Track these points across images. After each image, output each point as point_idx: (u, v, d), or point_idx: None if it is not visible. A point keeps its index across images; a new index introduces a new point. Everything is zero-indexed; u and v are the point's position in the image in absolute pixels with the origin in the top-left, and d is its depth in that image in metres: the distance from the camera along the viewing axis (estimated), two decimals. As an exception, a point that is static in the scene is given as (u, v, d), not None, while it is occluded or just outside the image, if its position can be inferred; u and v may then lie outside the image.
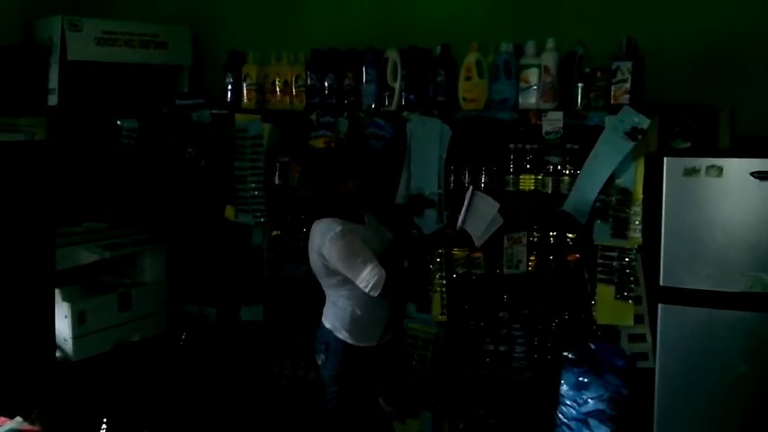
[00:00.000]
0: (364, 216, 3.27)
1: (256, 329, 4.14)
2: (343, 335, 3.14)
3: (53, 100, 4.12)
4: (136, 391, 3.96)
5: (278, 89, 4.12)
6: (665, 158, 3.16)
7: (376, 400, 3.38)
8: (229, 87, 4.18)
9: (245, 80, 4.12)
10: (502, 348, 3.66)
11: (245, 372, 4.15)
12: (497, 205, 3.17)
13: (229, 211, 4.14)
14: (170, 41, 4.53)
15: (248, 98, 4.13)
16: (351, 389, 3.19)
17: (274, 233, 4.13)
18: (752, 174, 2.97)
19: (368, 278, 2.98)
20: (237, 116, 4.12)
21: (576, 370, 3.20)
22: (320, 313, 3.26)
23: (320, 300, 3.28)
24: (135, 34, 4.38)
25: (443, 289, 3.72)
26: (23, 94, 4.07)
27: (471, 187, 3.21)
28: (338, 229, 3.05)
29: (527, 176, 3.58)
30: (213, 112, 4.20)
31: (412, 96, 3.77)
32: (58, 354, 3.77)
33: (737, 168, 3.00)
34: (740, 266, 3.02)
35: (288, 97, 4.10)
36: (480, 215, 3.16)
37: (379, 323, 3.18)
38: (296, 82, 4.06)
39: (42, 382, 3.59)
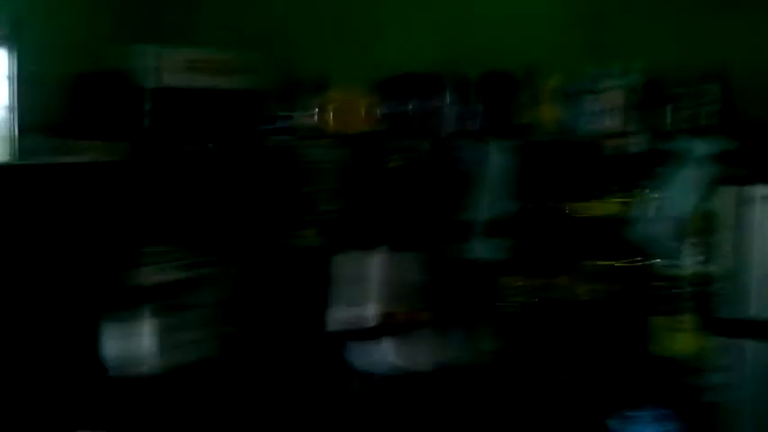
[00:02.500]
0: None
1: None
2: None
3: (144, 124, 4.25)
4: (201, 407, 3.99)
5: (353, 114, 4.16)
6: (749, 185, 3.04)
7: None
8: (311, 113, 4.24)
9: (326, 105, 4.18)
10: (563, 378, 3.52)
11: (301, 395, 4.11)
12: None
13: (304, 235, 4.16)
14: (251, 68, 4.64)
15: (324, 123, 4.18)
16: None
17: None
18: None
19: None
20: (313, 141, 4.17)
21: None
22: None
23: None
24: (218, 61, 4.50)
25: (503, 316, 3.63)
26: (110, 118, 4.22)
27: None
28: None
29: (598, 201, 3.49)
30: (289, 137, 4.27)
31: (489, 120, 3.75)
32: (142, 368, 3.84)
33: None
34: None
35: (362, 122, 4.13)
36: None
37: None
38: (371, 107, 4.09)
39: (106, 396, 3.65)
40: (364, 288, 3.08)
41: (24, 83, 3.88)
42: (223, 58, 4.54)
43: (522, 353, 3.64)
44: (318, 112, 4.21)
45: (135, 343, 3.84)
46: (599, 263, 3.50)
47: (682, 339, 3.18)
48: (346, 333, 3.17)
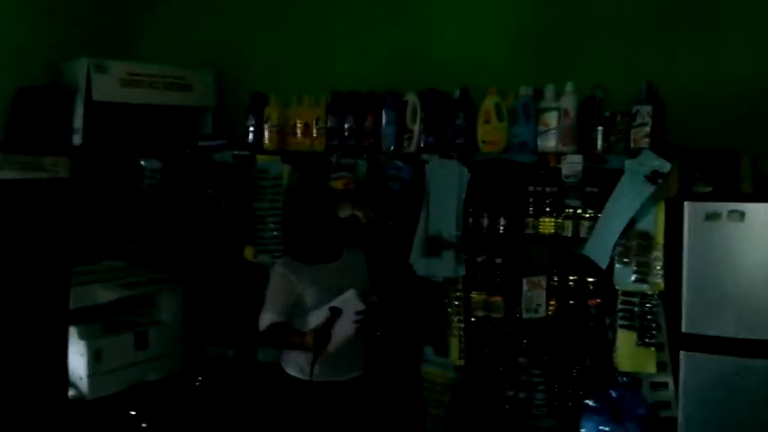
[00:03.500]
0: (341, 255, 3.26)
1: (273, 371, 4.09)
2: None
3: (77, 140, 4.19)
4: (149, 429, 3.93)
5: (299, 131, 4.16)
6: (685, 203, 3.12)
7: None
8: (251, 129, 4.23)
9: (266, 122, 4.17)
10: (521, 395, 3.58)
11: (260, 413, 4.10)
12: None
13: (248, 252, 4.15)
14: (194, 83, 4.61)
15: (269, 139, 4.17)
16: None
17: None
18: (775, 219, 2.92)
19: (260, 320, 3.10)
20: (258, 157, 4.16)
21: (596, 418, 3.14)
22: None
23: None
24: (159, 76, 4.46)
25: (461, 333, 3.67)
26: (48, 133, 4.15)
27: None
28: (276, 266, 3.23)
29: (546, 219, 3.55)
30: (235, 153, 4.25)
31: (431, 139, 3.78)
32: (72, 392, 3.76)
33: (760, 213, 2.95)
34: (766, 313, 2.94)
35: (308, 139, 4.14)
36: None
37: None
38: (316, 124, 4.10)
39: (56, 421, 3.57)
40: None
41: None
42: (165, 73, 4.49)
43: (482, 368, 3.68)
44: (261, 128, 4.18)
45: (86, 362, 3.77)
46: (553, 279, 3.54)
47: (636, 354, 3.22)
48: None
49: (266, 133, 4.16)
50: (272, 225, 4.11)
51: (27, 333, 3.50)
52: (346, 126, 3.98)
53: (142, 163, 4.36)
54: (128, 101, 4.31)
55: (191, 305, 4.32)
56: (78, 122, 4.19)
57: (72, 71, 4.25)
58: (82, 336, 3.81)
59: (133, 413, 3.95)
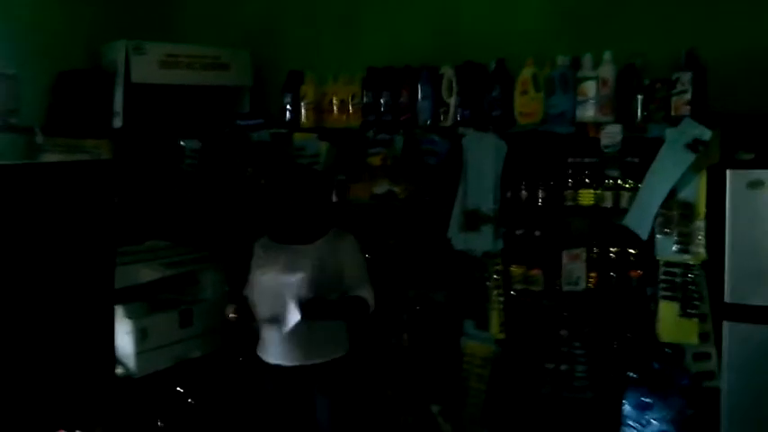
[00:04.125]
0: (319, 237, 3.22)
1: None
2: None
3: (118, 122, 4.24)
4: (195, 407, 4.00)
5: (335, 108, 4.16)
6: (727, 171, 3.06)
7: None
8: (288, 107, 4.25)
9: (302, 99, 4.18)
10: (562, 367, 3.57)
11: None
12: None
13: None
14: (231, 63, 4.63)
15: (306, 117, 4.19)
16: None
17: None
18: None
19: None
20: (295, 135, 4.18)
21: (638, 390, 3.11)
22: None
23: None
24: (197, 57, 4.49)
25: (501, 306, 3.67)
26: (89, 116, 4.21)
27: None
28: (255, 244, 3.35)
29: (586, 191, 3.51)
30: (272, 131, 4.27)
31: (467, 112, 3.75)
32: (120, 370, 3.85)
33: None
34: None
35: (344, 115, 4.14)
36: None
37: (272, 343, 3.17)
38: (352, 100, 4.10)
39: (103, 398, 3.66)
40: None
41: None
42: (202, 54, 4.52)
43: (522, 341, 3.67)
44: (298, 106, 4.20)
45: (132, 340, 3.85)
46: (593, 251, 3.51)
47: (678, 325, 3.19)
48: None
49: (303, 111, 4.18)
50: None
51: (75, 313, 3.58)
52: (382, 101, 3.98)
53: (182, 143, 4.40)
54: (166, 82, 4.35)
55: (232, 282, 4.37)
56: (118, 105, 4.25)
57: (110, 54, 4.31)
58: (128, 314, 3.88)
59: (180, 390, 4.03)
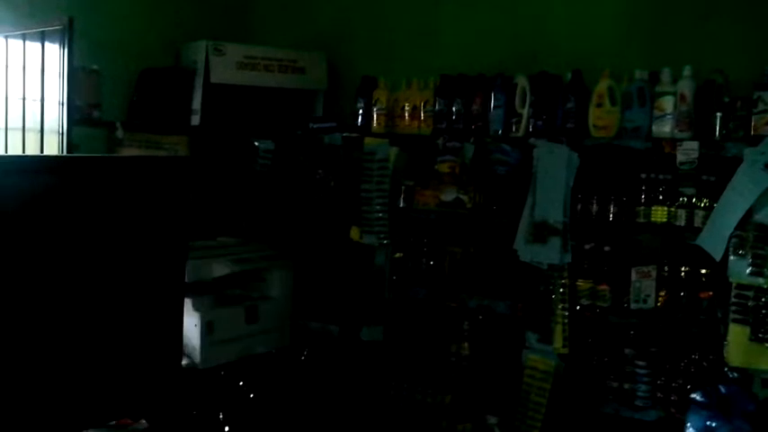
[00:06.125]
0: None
1: (376, 349, 4.18)
2: None
3: (196, 120, 4.36)
4: (258, 402, 4.07)
5: (407, 114, 4.19)
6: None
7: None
8: (360, 111, 4.30)
9: (375, 105, 4.23)
10: (626, 386, 3.51)
11: (363, 392, 4.19)
12: None
13: (355, 232, 4.22)
14: (307, 66, 4.71)
15: (378, 122, 4.23)
16: None
17: (397, 255, 4.18)
18: None
19: None
20: (367, 140, 4.21)
21: (703, 413, 3.04)
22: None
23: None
24: (274, 59, 4.58)
25: (566, 320, 3.62)
26: (169, 113, 4.35)
27: None
28: None
29: (659, 208, 3.45)
30: (344, 135, 4.31)
31: (540, 123, 3.73)
32: (186, 361, 3.94)
33: None
34: None
35: (416, 122, 4.17)
36: None
37: None
38: (424, 107, 4.12)
39: (170, 388, 3.76)
40: None
41: (79, 79, 4.01)
42: (279, 56, 4.62)
43: (586, 357, 3.63)
44: (370, 111, 4.25)
45: (199, 333, 3.95)
46: (663, 269, 3.46)
47: (748, 349, 3.11)
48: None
49: (375, 116, 4.23)
50: (377, 207, 4.16)
51: (146, 303, 3.69)
52: (454, 109, 3.99)
53: (256, 144, 4.50)
54: (244, 83, 4.46)
55: (299, 282, 4.44)
56: (197, 103, 4.37)
57: (191, 53, 4.44)
58: (196, 307, 3.96)
59: (241, 383, 4.10)
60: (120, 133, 4.26)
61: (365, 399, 4.16)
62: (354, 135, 4.28)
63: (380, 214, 4.15)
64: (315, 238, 4.44)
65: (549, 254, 3.62)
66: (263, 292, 4.35)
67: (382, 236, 4.11)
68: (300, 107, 4.79)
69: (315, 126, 4.50)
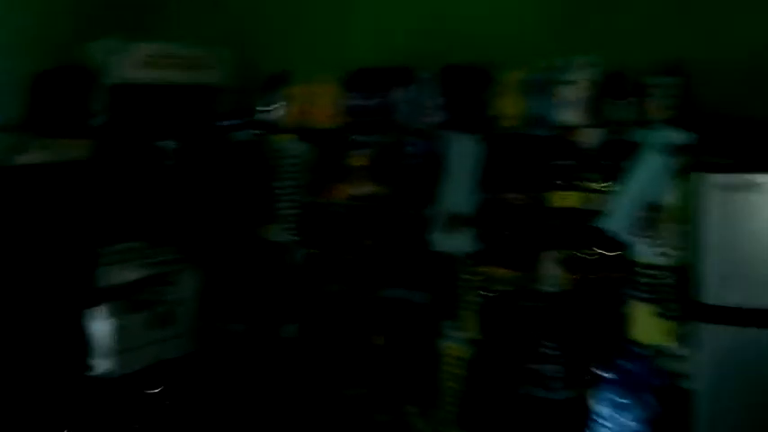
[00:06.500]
0: None
1: (293, 347, 4.14)
2: None
3: (98, 121, 4.22)
4: (172, 406, 3.98)
5: (316, 109, 4.17)
6: (704, 174, 3.09)
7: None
8: (269, 107, 4.25)
9: (284, 100, 4.19)
10: (537, 367, 3.58)
11: (280, 389, 4.14)
12: None
13: (268, 230, 4.18)
14: (213, 63, 4.63)
15: (287, 118, 4.19)
16: None
17: (311, 251, 4.15)
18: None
19: None
20: (276, 136, 4.18)
21: (612, 389, 3.14)
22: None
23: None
24: (179, 56, 4.48)
25: (479, 307, 3.68)
26: (69, 115, 4.19)
27: None
28: None
29: (565, 193, 3.53)
30: (253, 132, 4.27)
31: (449, 114, 3.77)
32: (97, 369, 3.82)
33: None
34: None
35: (326, 117, 4.15)
36: None
37: None
38: (334, 101, 4.10)
39: (81, 397, 3.63)
40: None
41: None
42: (184, 54, 4.52)
43: (499, 342, 3.68)
44: (282, 106, 4.21)
45: (95, 342, 3.83)
46: (570, 252, 3.53)
47: (654, 326, 3.22)
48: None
49: (284, 111, 4.19)
50: (290, 203, 4.14)
51: (54, 312, 3.55)
52: (364, 103, 3.99)
53: (161, 143, 4.39)
54: (148, 81, 4.34)
55: (210, 284, 4.36)
56: (99, 104, 4.23)
57: (92, 53, 4.28)
58: (106, 314, 3.86)
59: (156, 391, 4.01)
60: (16, 138, 4.07)
61: (283, 396, 4.12)
62: (263, 132, 4.23)
63: (293, 211, 4.13)
64: (226, 238, 4.37)
65: (462, 243, 3.67)
66: (173, 296, 4.27)
67: (295, 232, 4.08)
68: (208, 105, 4.70)
69: (222, 123, 4.43)
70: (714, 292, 3.04)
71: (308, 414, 4.03)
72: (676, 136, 3.19)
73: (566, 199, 3.51)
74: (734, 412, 3.00)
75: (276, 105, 4.24)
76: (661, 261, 3.22)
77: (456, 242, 3.69)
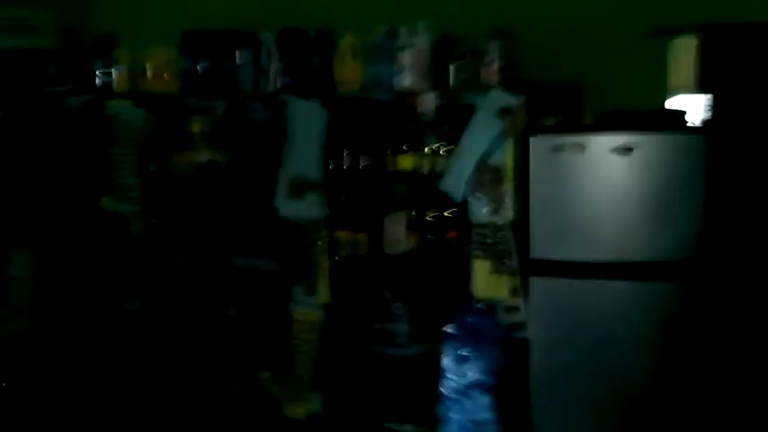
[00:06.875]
0: None
1: (140, 321, 4.04)
2: None
3: None
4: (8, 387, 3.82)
5: (151, 73, 4.01)
6: (532, 136, 3.26)
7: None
8: (100, 72, 4.05)
9: (115, 64, 4.00)
10: (387, 327, 3.71)
11: (129, 366, 4.05)
12: None
13: (106, 201, 4.02)
14: (37, 25, 4.34)
15: (120, 83, 4.02)
16: None
17: (154, 221, 4.04)
18: (611, 149, 3.10)
19: None
20: (111, 102, 4.00)
21: (456, 343, 3.30)
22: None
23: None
24: (4, 19, 4.18)
25: (328, 271, 3.74)
26: None
27: None
28: None
29: (405, 157, 3.63)
30: (86, 98, 4.06)
31: (288, 79, 3.75)
32: None
33: (599, 144, 3.13)
34: (604, 238, 3.15)
35: (162, 81, 4.00)
36: None
37: None
38: (169, 65, 3.97)
39: None
40: None
41: None
42: (3, 14, 4.21)
43: (349, 304, 3.76)
44: (117, 70, 4.02)
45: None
46: (414, 214, 3.64)
47: (492, 281, 3.38)
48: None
49: (116, 76, 4.00)
50: (128, 173, 3.99)
51: None
52: (200, 67, 3.89)
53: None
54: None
55: (46, 260, 4.16)
56: None
57: None
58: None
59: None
60: None
61: (129, 372, 4.03)
62: (97, 97, 4.04)
63: (131, 180, 3.99)
64: (61, 211, 4.16)
65: (308, 208, 3.69)
66: (6, 274, 4.05)
67: (136, 203, 3.96)
68: (35, 70, 4.41)
69: (52, 89, 4.18)
70: (544, 247, 3.24)
71: (159, 389, 3.98)
72: (507, 99, 3.34)
73: (408, 162, 3.60)
74: (564, 357, 3.23)
75: (109, 70, 4.04)
76: (496, 219, 3.39)
77: (303, 208, 3.71)
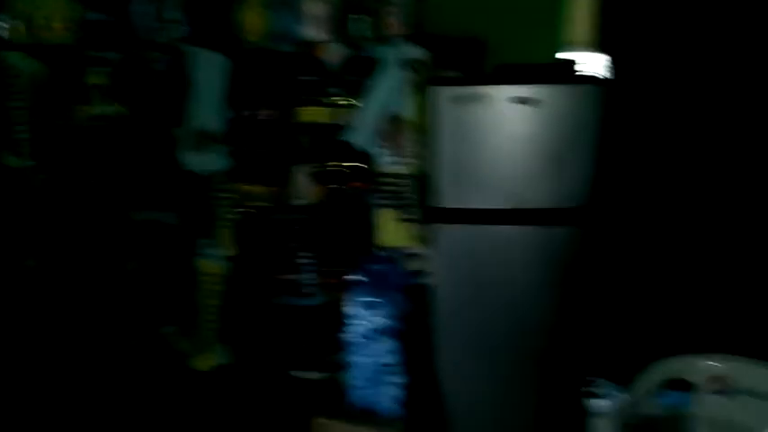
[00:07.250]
0: None
1: (35, 278, 3.92)
2: None
3: None
4: None
5: (45, 22, 3.84)
6: (437, 87, 3.33)
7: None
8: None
9: (9, 15, 3.82)
10: (294, 277, 3.74)
11: (21, 323, 3.92)
12: None
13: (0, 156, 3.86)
14: None
15: (13, 33, 3.83)
16: None
17: (50, 177, 3.91)
18: (510, 99, 3.21)
19: None
20: (3, 53, 3.82)
21: (363, 290, 3.37)
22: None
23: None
24: None
25: (233, 224, 3.73)
26: None
27: None
28: None
29: (311, 108, 3.65)
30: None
31: (190, 28, 3.68)
32: None
33: (499, 95, 3.22)
34: (504, 186, 3.27)
35: (58, 32, 3.84)
36: None
37: None
38: (66, 15, 3.81)
39: None
40: None
41: None
42: None
43: (254, 256, 3.76)
44: (6, 19, 3.84)
45: None
46: (320, 166, 3.66)
47: (398, 230, 3.48)
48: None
49: (9, 26, 3.82)
50: (21, 127, 3.83)
51: None
52: (97, 17, 3.76)
53: None
54: None
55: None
56: None
57: None
58: None
59: None
60: None
61: (30, 332, 3.91)
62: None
63: (27, 134, 3.83)
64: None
65: (212, 161, 3.66)
66: None
67: (31, 158, 3.81)
68: None
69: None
70: (446, 195, 3.33)
71: (60, 349, 3.88)
72: (412, 52, 3.40)
73: (313, 114, 3.63)
74: (466, 301, 3.35)
75: (2, 21, 3.85)
76: (401, 170, 3.46)
77: (206, 160, 3.68)
